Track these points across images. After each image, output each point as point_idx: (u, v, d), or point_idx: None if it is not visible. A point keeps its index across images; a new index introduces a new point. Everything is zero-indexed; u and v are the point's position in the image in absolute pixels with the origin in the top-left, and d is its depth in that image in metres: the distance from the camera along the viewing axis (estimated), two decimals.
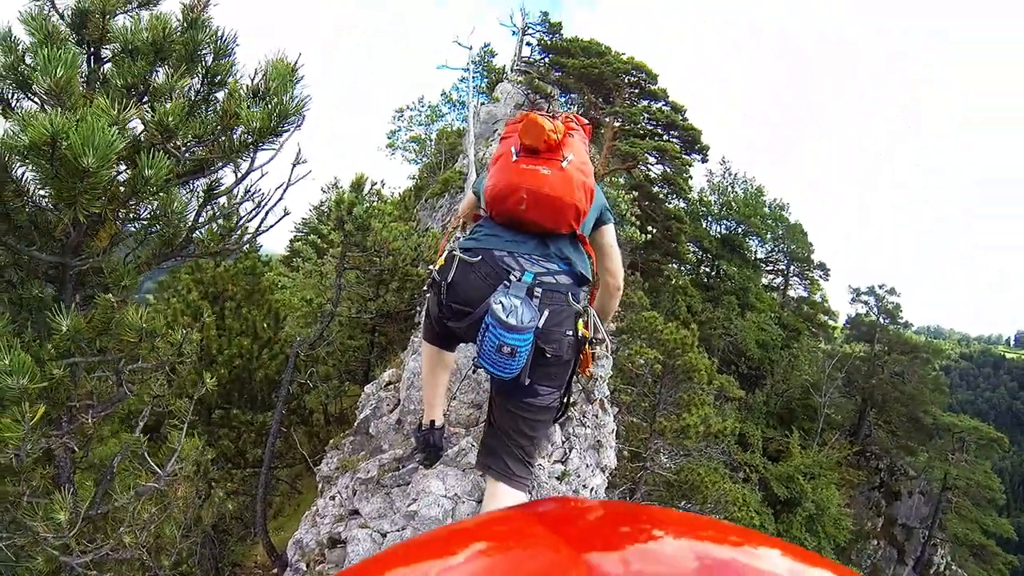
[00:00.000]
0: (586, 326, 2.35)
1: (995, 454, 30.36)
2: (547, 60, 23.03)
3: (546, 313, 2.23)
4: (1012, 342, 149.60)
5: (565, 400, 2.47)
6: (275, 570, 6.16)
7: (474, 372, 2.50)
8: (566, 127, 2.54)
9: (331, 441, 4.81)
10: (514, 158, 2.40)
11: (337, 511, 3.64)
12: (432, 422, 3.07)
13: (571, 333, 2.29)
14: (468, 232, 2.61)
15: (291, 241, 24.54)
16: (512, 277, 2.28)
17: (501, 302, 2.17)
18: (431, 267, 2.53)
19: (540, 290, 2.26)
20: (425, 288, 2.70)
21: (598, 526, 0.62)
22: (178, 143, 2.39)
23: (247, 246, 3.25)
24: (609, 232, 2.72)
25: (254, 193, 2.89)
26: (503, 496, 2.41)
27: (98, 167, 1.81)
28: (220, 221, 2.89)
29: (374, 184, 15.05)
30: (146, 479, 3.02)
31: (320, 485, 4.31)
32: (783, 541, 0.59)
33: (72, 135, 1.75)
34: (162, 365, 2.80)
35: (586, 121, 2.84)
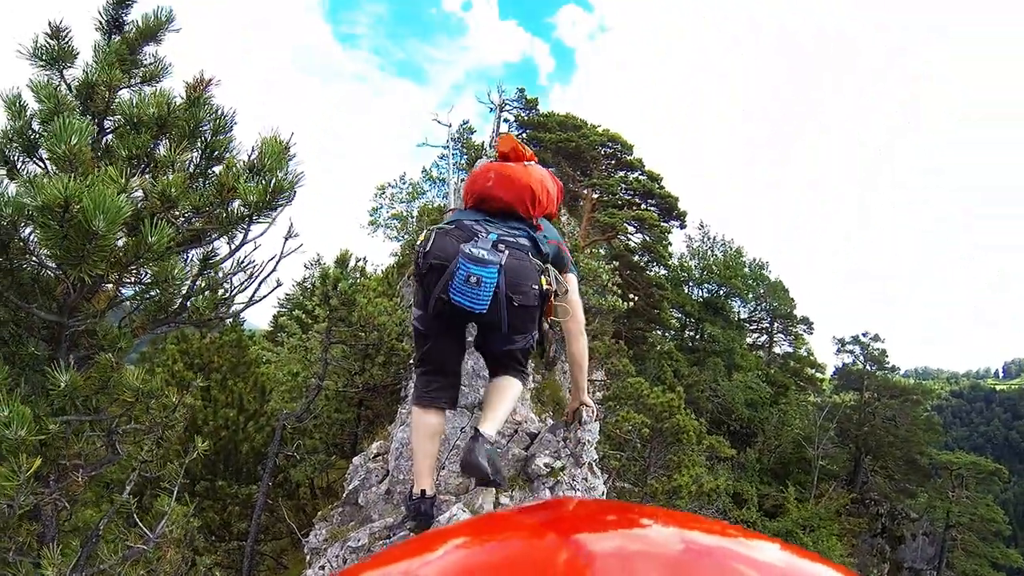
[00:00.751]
0: (548, 283, 2.83)
1: (996, 486, 30.22)
2: (524, 135, 23.67)
3: (506, 254, 2.68)
4: (1001, 374, 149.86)
5: (537, 339, 3.06)
6: None
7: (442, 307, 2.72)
8: (532, 157, 3.15)
9: (319, 513, 4.76)
10: (488, 161, 3.10)
11: None
12: (423, 491, 3.07)
13: (536, 287, 2.74)
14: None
15: (275, 316, 24.44)
16: (482, 235, 2.74)
17: (470, 248, 2.64)
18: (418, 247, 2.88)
19: (503, 245, 2.71)
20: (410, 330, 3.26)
21: (585, 514, 0.62)
22: (177, 213, 2.52)
23: (238, 316, 3.33)
24: (571, 280, 3.21)
25: (247, 264, 2.99)
26: (507, 384, 3.05)
27: (107, 230, 1.93)
28: (211, 291, 2.98)
29: (358, 260, 15.20)
30: (134, 541, 2.99)
31: (308, 557, 4.26)
32: (777, 538, 0.58)
33: (85, 199, 1.88)
34: (155, 428, 2.84)
35: (556, 178, 3.32)
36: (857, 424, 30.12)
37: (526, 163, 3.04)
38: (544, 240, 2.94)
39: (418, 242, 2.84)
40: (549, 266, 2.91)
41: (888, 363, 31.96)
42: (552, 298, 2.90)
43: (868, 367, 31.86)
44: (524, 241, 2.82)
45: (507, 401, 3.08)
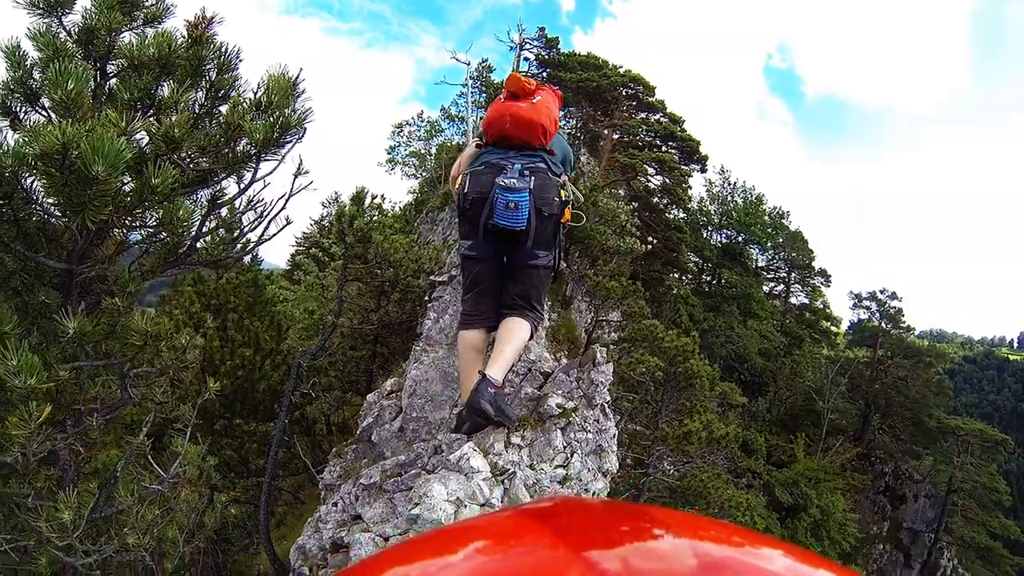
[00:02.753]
0: (566, 195, 3.51)
1: (1000, 456, 30.25)
2: (545, 75, 23.16)
3: (534, 179, 3.32)
4: (1016, 344, 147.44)
5: (556, 259, 3.64)
6: None
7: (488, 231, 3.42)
8: (536, 89, 3.61)
9: (333, 450, 4.84)
10: (502, 100, 3.59)
11: (340, 516, 3.67)
12: None
13: (557, 199, 3.41)
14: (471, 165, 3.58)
15: (292, 255, 24.64)
16: (510, 167, 3.35)
17: (503, 180, 3.28)
18: (454, 188, 3.69)
19: (528, 171, 3.36)
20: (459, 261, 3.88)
21: (596, 525, 0.62)
22: (182, 154, 2.46)
23: (249, 256, 3.33)
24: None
25: (257, 203, 2.96)
26: (516, 327, 3.53)
27: (107, 175, 1.88)
28: (223, 231, 2.95)
29: (375, 197, 15.14)
30: (151, 482, 3.06)
31: (322, 493, 4.34)
32: (785, 542, 0.59)
33: (83, 144, 1.82)
34: (166, 370, 2.86)
35: (557, 89, 3.91)
36: (868, 381, 29.93)
37: (534, 99, 3.54)
38: (555, 162, 3.58)
39: (456, 186, 3.52)
40: (565, 180, 3.58)
41: (904, 322, 31.39)
42: (568, 207, 3.55)
43: (883, 325, 31.43)
44: (542, 165, 3.44)
45: (515, 343, 3.53)
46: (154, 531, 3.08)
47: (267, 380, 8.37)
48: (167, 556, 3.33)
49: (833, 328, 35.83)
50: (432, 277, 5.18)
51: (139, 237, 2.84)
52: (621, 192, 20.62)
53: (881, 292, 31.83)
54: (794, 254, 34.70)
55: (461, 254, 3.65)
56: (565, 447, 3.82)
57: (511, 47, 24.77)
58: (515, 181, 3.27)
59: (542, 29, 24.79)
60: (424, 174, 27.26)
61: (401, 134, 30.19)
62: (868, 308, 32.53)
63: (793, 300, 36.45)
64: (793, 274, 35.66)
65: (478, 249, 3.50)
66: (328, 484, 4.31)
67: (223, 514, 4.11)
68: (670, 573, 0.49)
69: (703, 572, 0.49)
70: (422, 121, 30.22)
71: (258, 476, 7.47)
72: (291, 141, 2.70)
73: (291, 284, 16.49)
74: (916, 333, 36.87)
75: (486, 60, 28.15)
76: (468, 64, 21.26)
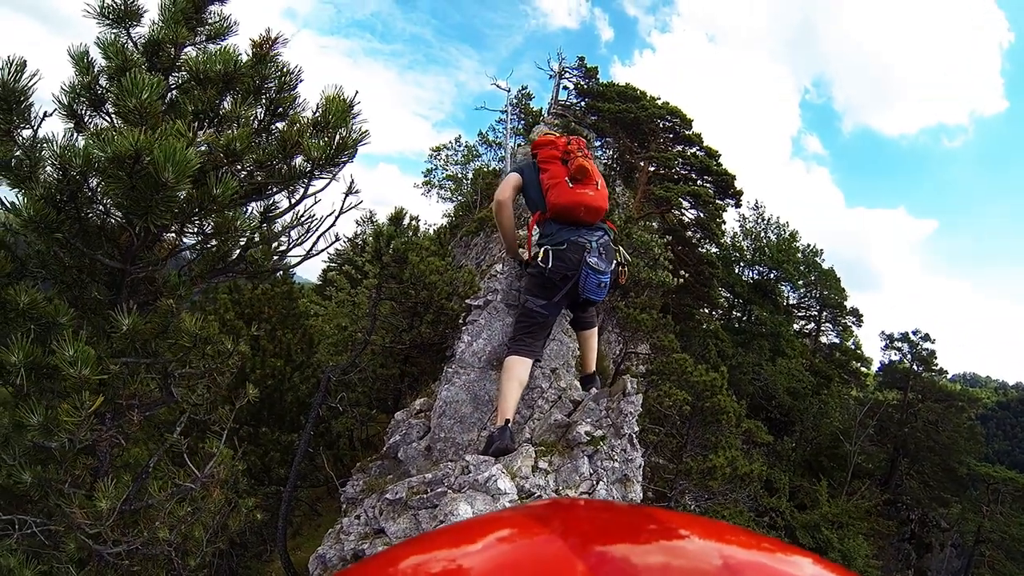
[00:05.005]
0: (620, 260, 4.25)
1: None
2: (583, 104, 23.36)
3: (605, 256, 4.01)
4: None
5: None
6: None
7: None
8: (593, 171, 4.16)
9: (357, 464, 4.87)
10: (570, 185, 4.06)
11: (362, 529, 3.70)
12: (507, 420, 3.82)
13: (616, 261, 4.17)
14: (543, 235, 4.13)
15: (324, 271, 24.98)
16: (591, 247, 3.95)
17: (594, 260, 3.92)
18: (527, 265, 4.39)
19: (601, 247, 4.01)
20: (527, 299, 4.23)
21: (598, 524, 0.63)
22: (240, 167, 2.56)
23: (292, 268, 3.41)
24: None
25: (307, 219, 3.05)
26: (593, 333, 4.71)
27: (175, 182, 1.97)
28: (268, 244, 3.04)
29: (412, 219, 15.33)
30: (183, 479, 3.12)
31: (344, 505, 4.37)
32: (786, 544, 0.59)
33: (155, 151, 1.92)
34: (208, 373, 2.93)
35: (584, 141, 4.41)
36: (898, 424, 29.18)
37: (597, 183, 4.14)
38: (611, 232, 4.28)
39: (539, 258, 3.97)
40: (620, 248, 4.29)
41: (936, 365, 30.45)
42: (621, 267, 4.27)
43: (915, 367, 30.66)
44: (606, 239, 4.12)
45: (596, 344, 4.73)
46: (182, 528, 3.14)
47: (295, 392, 8.45)
48: (190, 554, 3.37)
49: (863, 369, 35.05)
50: (467, 301, 5.22)
51: (190, 242, 2.94)
52: (655, 225, 20.58)
53: (914, 334, 31.16)
54: (826, 292, 34.19)
55: (530, 308, 4.15)
56: (591, 474, 3.81)
57: (550, 75, 25.09)
58: (602, 264, 3.96)
59: (581, 58, 25.11)
60: (460, 198, 27.51)
61: (438, 157, 30.61)
62: (899, 350, 31.82)
63: (823, 339, 35.80)
64: (824, 313, 35.08)
65: (550, 309, 4.11)
66: (350, 497, 4.34)
67: (248, 518, 4.14)
68: (672, 572, 0.49)
69: (718, 572, 0.49)
70: (460, 145, 30.61)
71: (279, 485, 7.52)
72: (345, 160, 2.79)
73: (322, 300, 16.70)
74: (949, 376, 35.87)
75: (525, 87, 28.49)
76: (508, 91, 21.53)
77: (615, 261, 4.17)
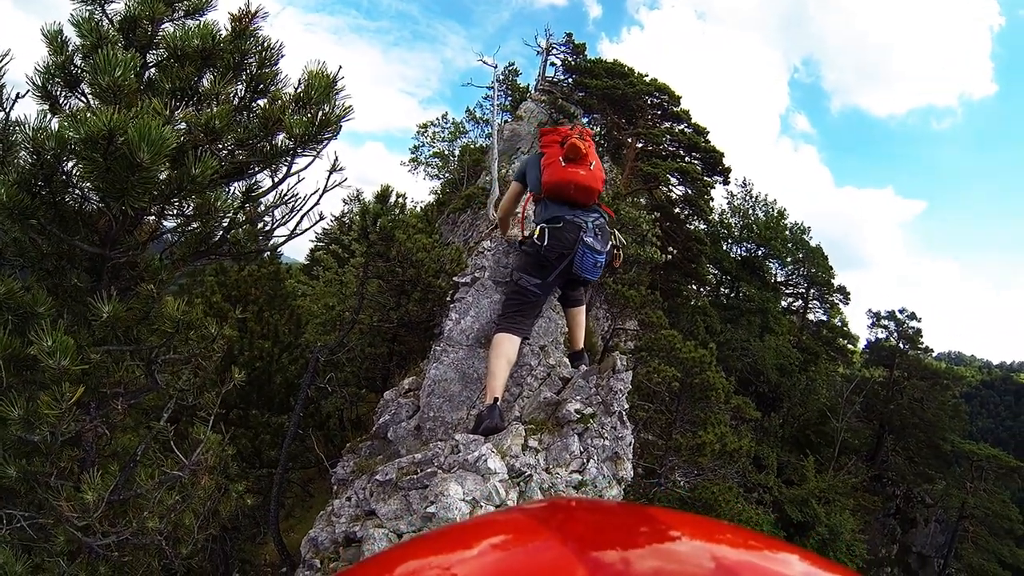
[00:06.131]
0: (615, 243, 4.28)
1: (1014, 484, 29.60)
2: (571, 80, 23.17)
3: (601, 237, 4.04)
4: None
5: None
6: (284, 569, 6.21)
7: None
8: (589, 151, 4.24)
9: (347, 445, 4.85)
10: (563, 164, 4.15)
11: (353, 511, 3.69)
12: (495, 399, 3.81)
13: (611, 243, 4.20)
14: (537, 214, 4.27)
15: (311, 251, 24.84)
16: (586, 227, 3.98)
17: (590, 240, 3.96)
18: (522, 243, 4.47)
19: (597, 228, 4.04)
20: (518, 279, 4.26)
21: (598, 524, 0.63)
22: (220, 146, 2.49)
23: (277, 249, 3.36)
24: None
25: (291, 198, 2.98)
26: (581, 310, 4.72)
27: (151, 162, 1.91)
28: (252, 224, 2.98)
29: (398, 196, 15.24)
30: (171, 467, 3.09)
31: (335, 487, 4.35)
32: (787, 544, 0.59)
33: (130, 130, 1.85)
34: (193, 358, 2.88)
35: (588, 129, 4.66)
36: (884, 401, 29.63)
37: (590, 164, 4.21)
38: (605, 214, 4.29)
39: (534, 236, 4.03)
40: (615, 231, 4.34)
41: (922, 343, 30.99)
42: (616, 250, 4.31)
43: (901, 345, 31.07)
44: (601, 221, 4.16)
45: (584, 320, 4.76)
46: (171, 516, 3.11)
47: (284, 373, 8.41)
48: (182, 542, 3.35)
49: (850, 346, 35.40)
50: (455, 278, 5.19)
51: (171, 225, 2.87)
52: (643, 201, 20.54)
53: (900, 312, 31.48)
54: (813, 270, 34.38)
55: (523, 286, 4.18)
56: (582, 452, 3.81)
57: (538, 51, 24.85)
58: (597, 244, 4.00)
59: (569, 35, 24.88)
60: (447, 175, 27.36)
61: (425, 134, 30.37)
62: (886, 328, 32.20)
63: (811, 316, 36.06)
64: (812, 290, 35.30)
65: (543, 289, 4.17)
66: (341, 479, 4.33)
67: (238, 503, 4.13)
68: (672, 573, 0.49)
69: (712, 573, 0.49)
70: (446, 122, 30.38)
71: (270, 467, 7.50)
72: (328, 137, 2.72)
73: (309, 279, 16.61)
74: (934, 355, 36.32)
75: (512, 64, 28.25)
76: (495, 67, 21.29)
77: (610, 243, 4.20)
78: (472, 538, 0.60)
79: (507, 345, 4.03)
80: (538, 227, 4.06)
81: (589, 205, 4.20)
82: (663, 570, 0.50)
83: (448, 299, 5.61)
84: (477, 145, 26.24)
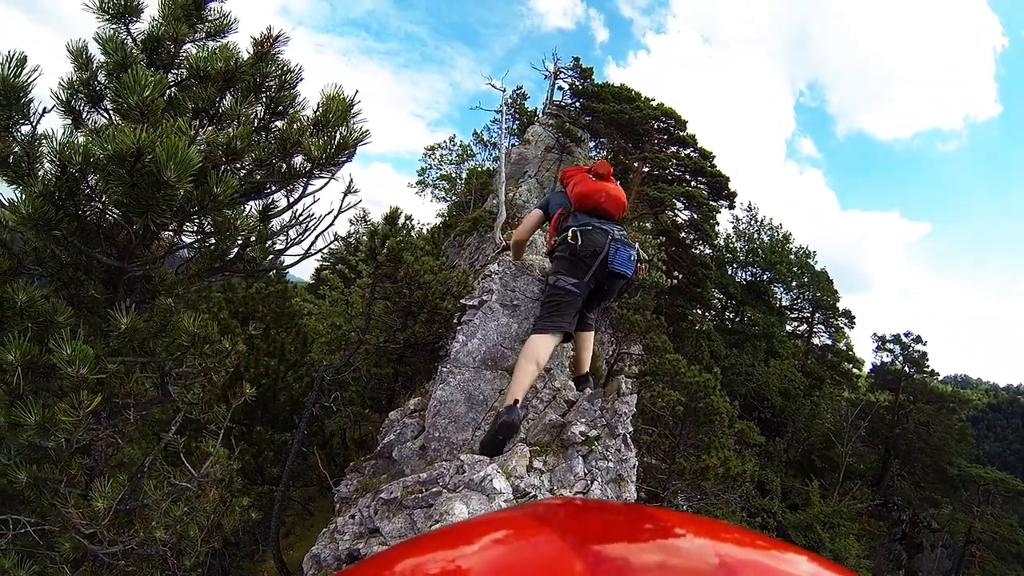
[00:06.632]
0: (638, 255, 4.32)
1: (1022, 508, 29.18)
2: (578, 104, 23.33)
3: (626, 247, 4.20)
4: None
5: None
6: None
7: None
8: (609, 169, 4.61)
9: (351, 464, 4.86)
10: (592, 178, 4.53)
11: (357, 529, 3.70)
12: (516, 400, 3.78)
13: (635, 259, 4.26)
14: (568, 222, 4.42)
15: (317, 270, 24.93)
16: (613, 233, 4.19)
17: (620, 236, 4.22)
18: (552, 250, 4.51)
19: (623, 236, 4.24)
20: (552, 279, 4.35)
21: (600, 522, 0.63)
22: (239, 165, 2.55)
23: (290, 267, 3.40)
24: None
25: (306, 218, 3.04)
26: (590, 335, 4.87)
27: (177, 180, 1.97)
28: (265, 242, 3.03)
29: (407, 218, 15.31)
30: (179, 479, 3.11)
31: (338, 505, 4.36)
32: (787, 544, 0.60)
33: (158, 149, 1.91)
34: (205, 372, 2.92)
35: (610, 165, 4.78)
36: (889, 425, 29.38)
37: (614, 183, 4.55)
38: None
39: (567, 238, 4.19)
40: (637, 245, 4.38)
41: (928, 366, 30.75)
42: (639, 263, 4.39)
43: (907, 368, 30.85)
44: (624, 236, 4.30)
45: (591, 345, 4.87)
46: (177, 528, 3.13)
47: (289, 391, 8.44)
48: (185, 554, 3.36)
49: (855, 370, 35.20)
50: (462, 301, 5.23)
51: (188, 241, 2.93)
52: (648, 225, 20.61)
53: (906, 335, 31.31)
54: (818, 294, 34.32)
55: (560, 286, 4.24)
56: (586, 474, 3.82)
57: (545, 75, 25.08)
58: (628, 242, 4.22)
59: (577, 59, 25.08)
60: (454, 197, 27.50)
61: (433, 157, 30.59)
62: (891, 351, 32.01)
63: (816, 340, 35.91)
64: (817, 314, 35.20)
65: (580, 288, 4.22)
66: (344, 497, 4.34)
67: (242, 517, 4.13)
68: (670, 571, 0.49)
69: (715, 570, 0.50)
70: (454, 145, 30.61)
71: (272, 484, 7.50)
72: (344, 159, 2.78)
73: (315, 298, 16.65)
74: (940, 378, 36.05)
75: (520, 88, 28.49)
76: (503, 91, 21.52)
77: (634, 257, 4.35)
78: (472, 535, 0.60)
79: (539, 349, 4.05)
80: (570, 230, 4.22)
81: (614, 219, 4.45)
82: (665, 565, 0.50)
83: (455, 321, 5.65)
84: (484, 168, 26.40)
